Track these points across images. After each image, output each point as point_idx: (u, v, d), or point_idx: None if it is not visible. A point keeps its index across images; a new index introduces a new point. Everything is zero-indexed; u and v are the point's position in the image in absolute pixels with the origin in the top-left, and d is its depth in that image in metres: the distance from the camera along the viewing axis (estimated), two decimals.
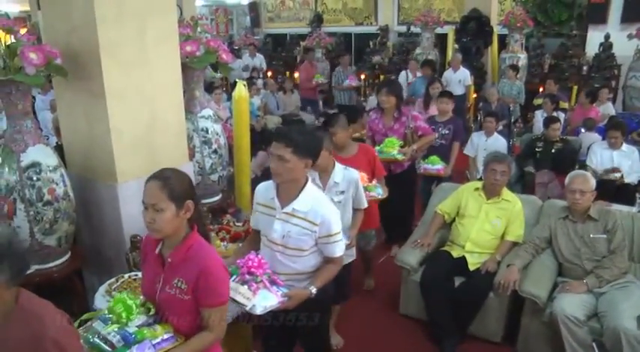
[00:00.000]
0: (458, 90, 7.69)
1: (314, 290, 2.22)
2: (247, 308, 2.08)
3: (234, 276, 2.17)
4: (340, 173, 2.92)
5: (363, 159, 3.45)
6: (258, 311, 2.07)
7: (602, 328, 2.84)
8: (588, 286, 3.03)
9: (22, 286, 2.82)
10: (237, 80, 4.14)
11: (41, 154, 2.87)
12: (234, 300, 2.08)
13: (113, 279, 2.87)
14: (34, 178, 2.81)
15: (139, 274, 2.88)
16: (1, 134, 4.03)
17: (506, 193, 3.52)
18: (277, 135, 2.18)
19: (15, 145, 2.82)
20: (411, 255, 3.54)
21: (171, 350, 1.78)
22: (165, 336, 1.79)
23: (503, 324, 3.30)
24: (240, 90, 3.76)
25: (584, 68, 9.74)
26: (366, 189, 3.24)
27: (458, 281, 3.37)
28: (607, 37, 9.53)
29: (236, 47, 12.67)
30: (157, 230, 1.79)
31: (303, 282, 2.29)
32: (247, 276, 2.16)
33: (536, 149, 5.41)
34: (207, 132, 3.62)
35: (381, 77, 10.20)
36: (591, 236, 3.15)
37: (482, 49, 9.75)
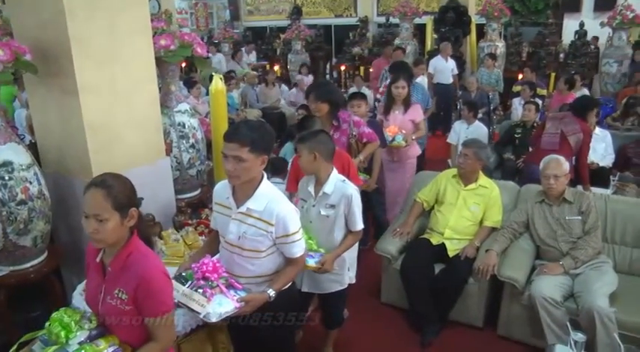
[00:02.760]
0: (447, 80, 7.73)
1: (272, 293, 2.10)
2: (202, 316, 1.98)
3: (190, 282, 2.08)
4: (332, 184, 2.64)
5: (335, 165, 3.21)
6: (213, 318, 1.97)
7: (578, 308, 2.90)
8: (565, 267, 3.08)
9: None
10: (213, 74, 4.11)
11: (13, 153, 2.82)
12: (188, 308, 2.01)
13: None
14: (6, 178, 2.76)
15: None
16: None
17: (484, 179, 3.56)
18: (229, 135, 2.03)
19: None
20: (390, 244, 3.56)
21: None
22: (110, 350, 1.72)
23: (483, 309, 3.34)
24: (217, 83, 3.73)
25: (561, 55, 9.87)
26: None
27: (438, 268, 3.40)
28: (581, 25, 9.68)
29: (216, 41, 12.58)
30: (100, 240, 1.71)
31: (263, 286, 2.16)
32: (202, 282, 2.06)
33: (515, 135, 5.48)
34: (184, 126, 3.59)
35: (361, 68, 10.23)
36: (567, 218, 3.20)
37: (461, 39, 9.82)
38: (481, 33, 9.85)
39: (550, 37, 10.04)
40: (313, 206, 2.69)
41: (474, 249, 3.36)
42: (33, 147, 3.26)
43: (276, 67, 10.22)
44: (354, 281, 2.99)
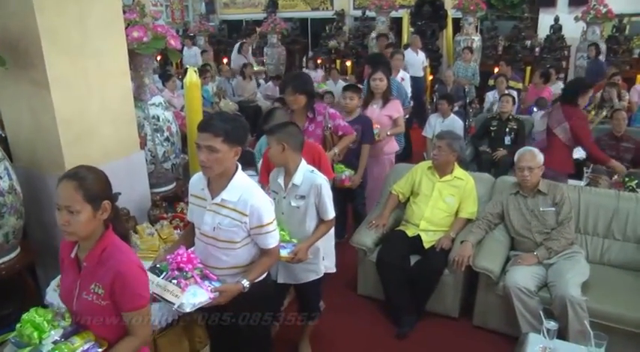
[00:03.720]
0: (419, 72, 7.75)
1: (246, 283, 2.12)
2: (175, 307, 1.99)
3: (164, 273, 2.08)
4: (301, 175, 2.65)
5: (305, 158, 3.06)
6: (187, 308, 1.99)
7: (551, 297, 2.95)
8: (539, 258, 3.13)
9: None
10: (187, 66, 4.07)
11: None
12: (163, 299, 2.01)
13: None
14: None
15: None
16: None
17: (459, 171, 3.59)
18: (202, 125, 2.05)
19: None
20: (366, 236, 3.57)
21: None
22: (86, 346, 1.69)
23: (459, 300, 3.38)
24: (192, 76, 3.70)
25: (537, 49, 10.01)
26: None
27: (414, 259, 3.42)
28: (556, 19, 9.83)
29: (191, 34, 12.43)
30: (72, 233, 1.69)
31: (237, 276, 2.17)
32: (176, 272, 2.07)
33: (491, 128, 5.54)
34: (158, 119, 3.55)
35: (337, 62, 10.23)
36: (541, 209, 3.26)
37: (437, 32, 9.87)
38: (457, 27, 9.92)
39: (526, 31, 10.19)
40: (284, 198, 2.70)
41: (450, 241, 3.39)
42: (3, 142, 3.19)
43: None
44: (334, 270, 3.01)
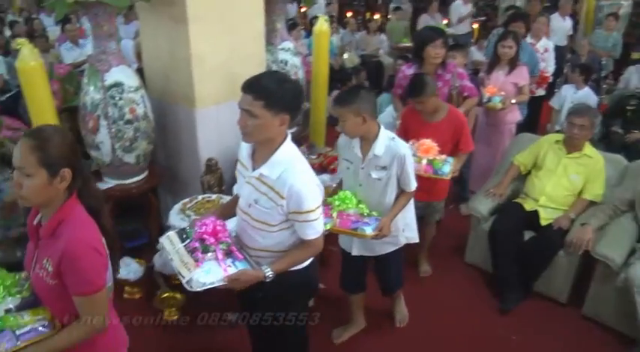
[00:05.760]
0: (562, 41, 6.98)
1: (269, 273, 1.80)
2: (184, 281, 1.74)
3: (188, 240, 1.86)
4: (383, 144, 2.36)
5: (448, 127, 3.03)
6: (195, 286, 1.72)
7: None
8: None
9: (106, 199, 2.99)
10: (318, 15, 4.06)
11: (124, 75, 2.98)
12: (176, 269, 1.81)
13: (187, 199, 3.00)
14: (117, 97, 2.94)
15: (213, 196, 3.00)
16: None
17: (589, 149, 3.31)
18: (245, 85, 1.75)
19: (100, 65, 2.95)
20: (482, 204, 3.45)
21: (36, 343, 1.48)
22: (37, 325, 1.50)
23: (570, 285, 3.18)
24: (322, 24, 3.70)
25: None
26: (431, 163, 2.86)
27: (527, 235, 3.26)
28: None
29: None
30: (24, 198, 1.48)
31: (271, 260, 1.89)
32: (197, 244, 1.82)
33: (628, 107, 5.00)
34: (286, 64, 3.62)
35: None
36: None
37: None
38: None
39: None
40: (362, 168, 2.44)
41: (568, 221, 3.17)
42: (139, 73, 3.41)
43: (377, 16, 9.97)
44: (416, 240, 2.80)
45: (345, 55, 7.12)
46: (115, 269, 1.70)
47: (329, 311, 3.03)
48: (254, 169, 1.85)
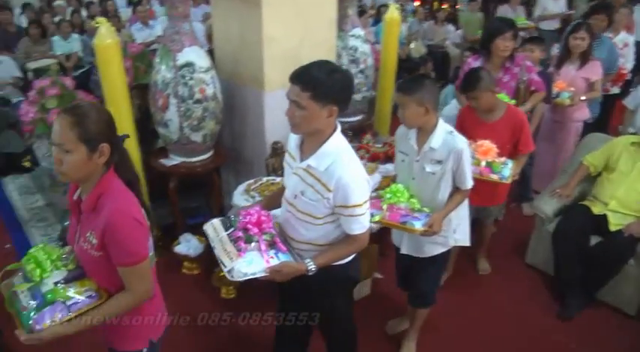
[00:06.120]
0: None
1: (312, 266, 1.79)
2: (226, 270, 1.74)
3: (232, 229, 1.86)
4: (440, 137, 2.25)
5: (505, 127, 2.86)
6: (236, 276, 1.72)
7: None
8: None
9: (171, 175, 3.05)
10: (388, 3, 4.03)
11: (195, 55, 3.05)
12: (218, 257, 1.80)
13: (252, 180, 3.05)
14: (187, 77, 3.01)
15: (277, 179, 3.03)
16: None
17: None
18: (293, 75, 1.71)
19: (173, 45, 3.03)
20: (547, 204, 3.32)
21: (86, 313, 1.53)
22: (85, 295, 1.55)
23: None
24: (393, 12, 3.68)
25: None
26: (490, 166, 2.70)
27: (594, 240, 3.11)
28: None
29: None
30: (64, 173, 1.51)
31: (314, 254, 1.88)
32: (240, 233, 1.81)
33: None
34: (355, 51, 3.62)
35: None
36: None
37: None
38: None
39: None
40: (416, 161, 2.34)
41: None
42: (210, 55, 3.48)
43: (445, 6, 9.76)
44: (467, 243, 2.64)
45: (412, 45, 7.01)
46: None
47: (385, 302, 3.01)
48: (302, 160, 1.83)
